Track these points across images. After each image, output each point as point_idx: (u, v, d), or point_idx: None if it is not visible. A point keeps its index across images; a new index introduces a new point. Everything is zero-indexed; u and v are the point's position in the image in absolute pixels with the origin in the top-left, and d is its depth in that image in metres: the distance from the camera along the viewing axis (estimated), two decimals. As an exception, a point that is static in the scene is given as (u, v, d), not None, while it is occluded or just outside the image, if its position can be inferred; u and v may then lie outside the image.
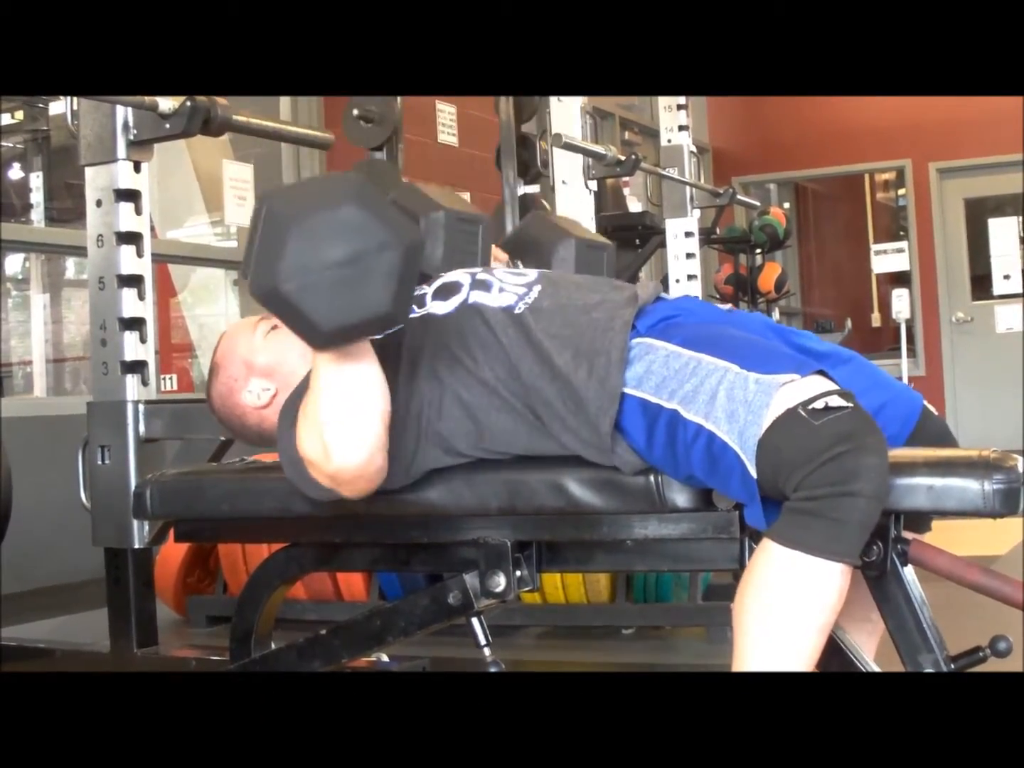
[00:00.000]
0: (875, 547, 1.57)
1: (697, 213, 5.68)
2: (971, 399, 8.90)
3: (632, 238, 6.12)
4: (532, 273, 1.86)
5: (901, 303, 8.66)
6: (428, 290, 1.84)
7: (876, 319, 10.11)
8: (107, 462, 2.80)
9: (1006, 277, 9.10)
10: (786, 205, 10.01)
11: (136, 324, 2.79)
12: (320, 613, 3.42)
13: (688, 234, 5.55)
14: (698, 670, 2.81)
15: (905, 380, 6.76)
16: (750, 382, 1.55)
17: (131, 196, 2.77)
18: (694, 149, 5.72)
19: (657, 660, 3.18)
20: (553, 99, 4.24)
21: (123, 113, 2.74)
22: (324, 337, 1.56)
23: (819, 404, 1.50)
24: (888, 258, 9.14)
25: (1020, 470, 1.54)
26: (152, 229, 2.97)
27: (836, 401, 1.51)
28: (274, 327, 1.90)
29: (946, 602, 1.93)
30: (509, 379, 1.72)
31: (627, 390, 1.64)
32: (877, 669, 1.69)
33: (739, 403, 1.54)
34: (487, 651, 1.81)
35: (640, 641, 3.36)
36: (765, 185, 10.21)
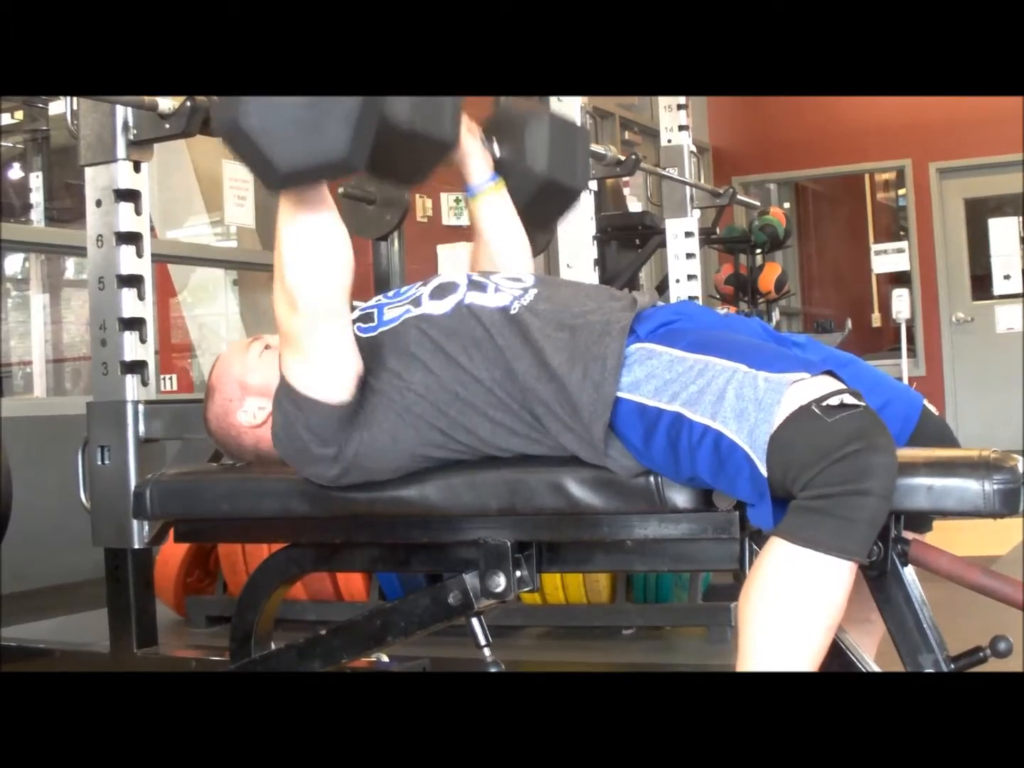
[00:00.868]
0: (875, 547, 1.57)
1: (697, 213, 5.67)
2: (971, 399, 8.90)
3: (632, 238, 6.12)
4: (528, 277, 1.87)
5: (901, 303, 8.66)
6: (424, 290, 1.84)
7: (876, 319, 10.11)
8: (107, 462, 2.80)
9: (1006, 277, 9.09)
10: (786, 205, 10.01)
11: (136, 324, 2.79)
12: (320, 613, 3.42)
13: (688, 234, 5.55)
14: (698, 670, 2.82)
15: (905, 380, 6.76)
16: (759, 380, 1.55)
17: (131, 196, 2.77)
18: (694, 149, 5.72)
19: (657, 660, 3.18)
20: (553, 99, 4.24)
21: (123, 113, 2.73)
22: (280, 177, 1.59)
23: (833, 401, 1.51)
24: (888, 258, 9.13)
25: (1020, 470, 1.54)
26: (152, 229, 2.96)
27: (849, 399, 1.51)
28: (267, 347, 1.91)
29: (946, 602, 1.93)
30: (505, 380, 1.72)
31: (623, 394, 1.64)
32: (877, 669, 1.69)
33: (749, 401, 1.54)
34: (487, 651, 1.81)
35: (640, 641, 3.36)
36: (765, 185, 10.21)
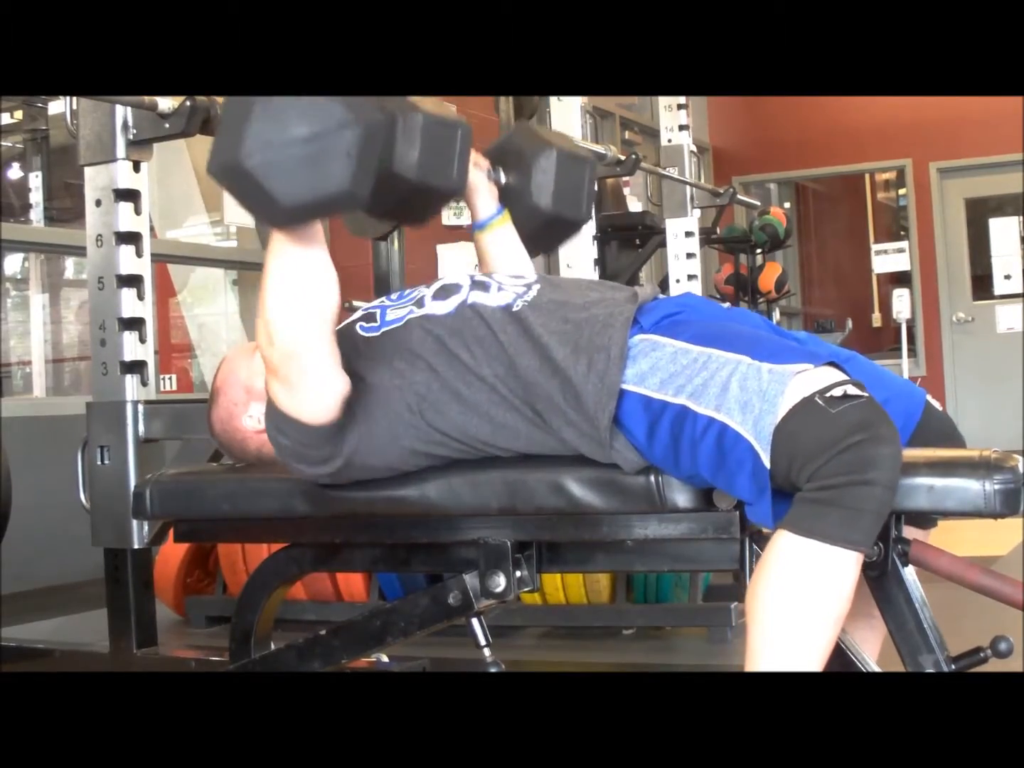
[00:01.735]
0: (876, 547, 1.57)
1: (697, 213, 5.67)
2: (972, 399, 8.90)
3: (632, 238, 6.12)
4: (531, 275, 1.87)
5: (902, 303, 8.66)
6: (427, 291, 1.84)
7: (877, 319, 10.11)
8: (106, 462, 2.80)
9: (1007, 277, 9.09)
10: (786, 205, 10.01)
11: (135, 324, 2.79)
12: (320, 613, 3.43)
13: (688, 234, 5.55)
14: (698, 670, 2.82)
15: (905, 380, 6.75)
16: (763, 372, 1.55)
17: (130, 196, 2.77)
18: (694, 149, 5.72)
19: (657, 660, 3.18)
20: (553, 99, 4.24)
21: (122, 113, 2.73)
22: (284, 213, 1.59)
23: (837, 392, 1.51)
24: (889, 258, 9.14)
25: (1021, 470, 1.54)
26: (151, 229, 2.96)
27: (853, 390, 1.52)
28: None
29: (947, 602, 1.93)
30: (508, 376, 1.72)
31: (629, 387, 1.64)
32: (877, 669, 1.69)
33: (753, 393, 1.54)
34: (487, 651, 1.81)
35: (640, 641, 3.37)
36: (765, 185, 10.21)
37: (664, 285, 5.63)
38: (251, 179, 1.54)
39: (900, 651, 1.62)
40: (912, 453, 1.61)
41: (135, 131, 2.75)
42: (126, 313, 2.78)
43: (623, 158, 4.49)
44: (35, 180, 6.43)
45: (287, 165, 1.54)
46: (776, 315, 7.80)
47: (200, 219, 6.46)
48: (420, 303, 1.82)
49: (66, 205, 6.45)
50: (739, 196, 6.60)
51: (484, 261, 2.10)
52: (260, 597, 2.03)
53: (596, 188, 2.24)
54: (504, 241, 2.09)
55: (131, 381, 2.79)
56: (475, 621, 1.82)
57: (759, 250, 7.68)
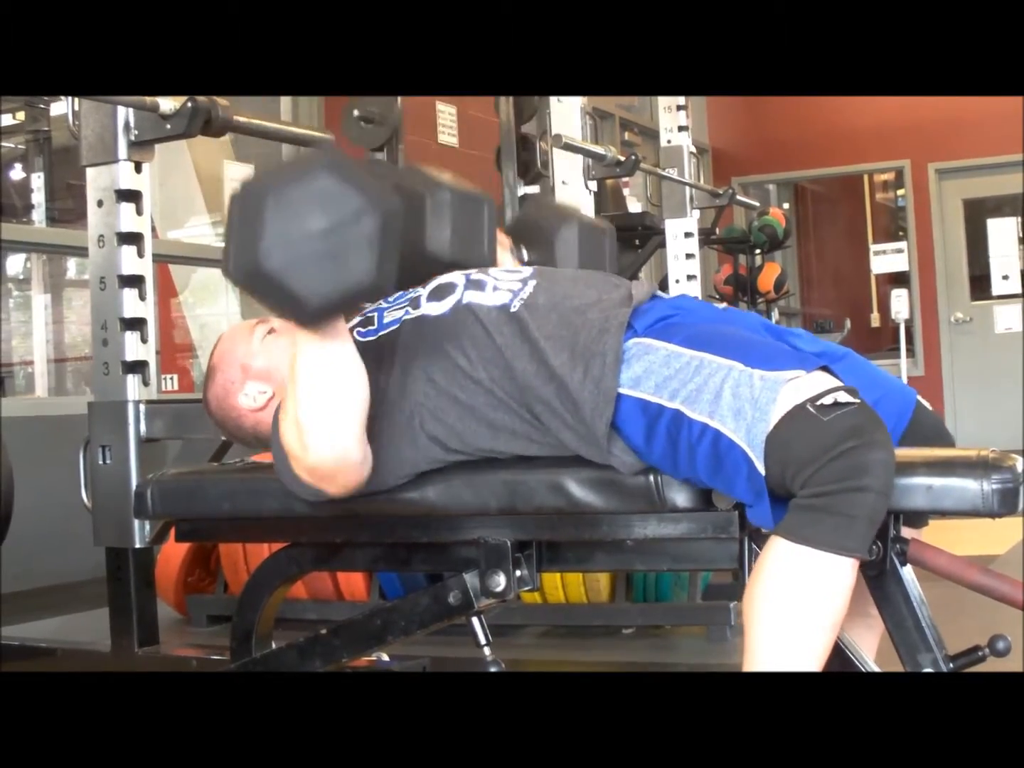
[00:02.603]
0: (874, 546, 1.57)
1: (697, 213, 5.67)
2: (970, 399, 8.90)
3: (632, 238, 6.11)
4: (527, 269, 1.86)
5: (900, 303, 8.67)
6: (423, 292, 1.84)
7: (875, 319, 10.11)
8: (108, 462, 2.80)
9: (1005, 277, 9.10)
10: (785, 205, 10.01)
11: (137, 324, 2.80)
12: (320, 613, 3.42)
13: (688, 234, 5.55)
14: (698, 670, 2.82)
15: (904, 380, 6.75)
16: (755, 379, 1.55)
17: (132, 196, 2.77)
18: (694, 149, 5.72)
19: (657, 660, 3.18)
20: (553, 99, 4.23)
21: (124, 114, 2.74)
22: (312, 312, 1.55)
23: (828, 400, 1.51)
24: (887, 258, 9.14)
25: (1019, 470, 1.55)
26: (153, 229, 2.96)
27: (844, 397, 1.52)
28: (271, 330, 1.91)
29: (945, 601, 1.94)
30: (504, 379, 1.72)
31: (625, 391, 1.64)
32: (876, 669, 1.69)
33: (745, 400, 1.54)
34: (487, 651, 1.81)
35: (640, 641, 3.37)
36: (765, 185, 10.21)
37: (664, 285, 5.63)
38: (274, 281, 1.50)
39: (898, 650, 1.63)
40: (910, 453, 1.61)
41: (137, 132, 2.75)
42: (128, 313, 2.78)
43: (623, 159, 4.49)
44: (37, 181, 6.43)
45: (308, 263, 1.49)
46: (775, 315, 7.80)
47: (202, 219, 6.46)
48: (416, 304, 1.82)
49: (68, 206, 6.45)
50: (738, 197, 6.60)
51: None
52: (261, 596, 2.03)
53: (616, 256, 2.24)
54: None
55: (133, 381, 2.80)
56: (475, 620, 1.82)
57: (758, 250, 7.69)
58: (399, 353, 1.77)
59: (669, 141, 5.64)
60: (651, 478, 1.67)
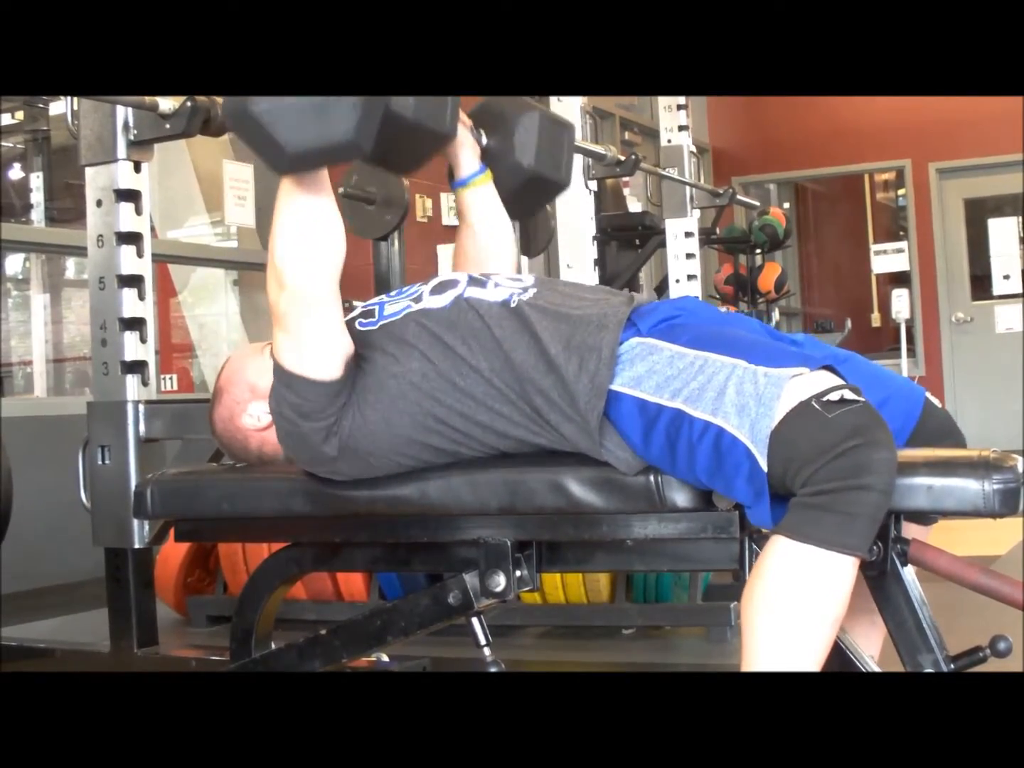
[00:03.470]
0: (875, 547, 1.57)
1: (697, 213, 5.67)
2: (971, 399, 8.90)
3: (632, 238, 6.12)
4: (528, 278, 1.88)
5: (901, 303, 8.67)
6: (425, 287, 1.85)
7: (876, 319, 10.11)
8: (107, 462, 2.80)
9: (1006, 277, 9.09)
10: (786, 205, 10.01)
11: (136, 324, 2.79)
12: (320, 613, 3.43)
13: (688, 234, 5.55)
14: (698, 670, 2.82)
15: (905, 380, 6.74)
16: (759, 376, 1.56)
17: (131, 196, 2.77)
18: (694, 149, 5.72)
19: (657, 660, 3.18)
20: (553, 99, 4.23)
21: (123, 113, 2.74)
22: (288, 159, 1.63)
23: (833, 396, 1.52)
24: (888, 258, 9.14)
25: (1020, 470, 1.55)
26: (152, 229, 2.96)
27: (849, 394, 1.52)
28: None
29: (946, 602, 1.94)
30: (503, 370, 1.73)
31: (625, 390, 1.65)
32: (877, 669, 1.69)
33: (749, 397, 1.55)
34: (487, 651, 1.81)
35: (640, 641, 3.37)
36: (765, 185, 10.21)
37: (664, 285, 5.63)
38: (257, 124, 1.59)
39: (899, 650, 1.63)
40: (911, 453, 1.61)
41: (136, 131, 2.75)
42: (127, 313, 2.78)
43: (623, 158, 4.49)
44: (36, 180, 6.42)
45: (292, 113, 1.58)
46: (775, 315, 7.80)
47: (201, 219, 6.46)
48: (418, 298, 1.84)
49: (67, 205, 6.45)
50: (738, 196, 6.61)
51: (465, 219, 2.12)
52: (261, 596, 2.03)
53: (573, 156, 2.32)
54: (485, 200, 2.11)
55: (132, 381, 2.80)
56: (475, 620, 1.82)
57: (758, 250, 7.68)
58: (400, 342, 1.79)
59: (669, 141, 5.64)
60: (651, 478, 1.67)
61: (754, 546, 1.68)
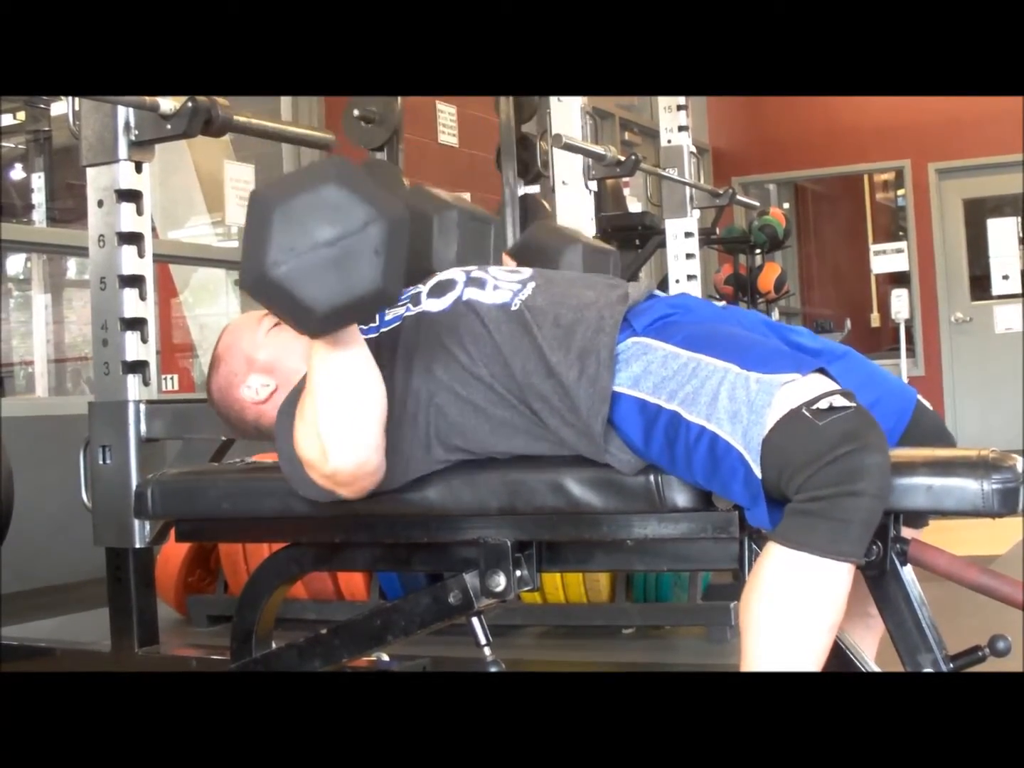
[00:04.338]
0: (874, 547, 1.57)
1: (697, 213, 5.68)
2: (970, 399, 8.90)
3: (632, 238, 6.12)
4: (527, 270, 1.87)
5: (900, 303, 8.67)
6: (423, 288, 1.84)
7: (875, 319, 10.11)
8: (108, 462, 2.80)
9: (1005, 277, 9.10)
10: (786, 205, 10.02)
11: (137, 324, 2.80)
12: (320, 613, 3.43)
13: (688, 234, 5.55)
14: (698, 670, 2.82)
15: (904, 380, 6.75)
16: (751, 382, 1.55)
17: (132, 196, 2.78)
18: (694, 149, 5.72)
19: (657, 660, 3.18)
20: (553, 99, 4.24)
21: (124, 114, 2.74)
22: (319, 320, 1.54)
23: (823, 404, 1.51)
24: (887, 258, 9.14)
25: (1019, 470, 1.55)
26: (153, 229, 2.96)
27: (839, 401, 1.51)
28: (277, 323, 1.90)
29: (945, 601, 1.94)
30: (503, 375, 1.72)
31: (624, 390, 1.65)
32: (876, 669, 1.69)
33: (741, 403, 1.54)
34: (487, 651, 1.81)
35: (640, 641, 3.37)
36: (765, 185, 10.21)
37: (664, 285, 5.63)
38: (281, 289, 1.51)
39: (899, 650, 1.63)
40: (910, 453, 1.61)
41: (137, 132, 2.75)
42: (128, 313, 2.78)
43: (623, 159, 4.49)
44: (37, 181, 6.42)
45: (314, 270, 1.49)
46: (775, 315, 7.80)
47: (202, 219, 6.46)
48: (416, 300, 1.83)
49: (68, 206, 6.45)
50: (738, 197, 6.61)
51: None
52: (261, 596, 2.03)
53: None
54: None
55: (133, 381, 2.80)
56: (475, 620, 1.82)
57: (758, 250, 7.69)
58: (400, 350, 1.78)
59: (669, 141, 5.64)
60: (651, 478, 1.67)
61: (754, 546, 1.68)
